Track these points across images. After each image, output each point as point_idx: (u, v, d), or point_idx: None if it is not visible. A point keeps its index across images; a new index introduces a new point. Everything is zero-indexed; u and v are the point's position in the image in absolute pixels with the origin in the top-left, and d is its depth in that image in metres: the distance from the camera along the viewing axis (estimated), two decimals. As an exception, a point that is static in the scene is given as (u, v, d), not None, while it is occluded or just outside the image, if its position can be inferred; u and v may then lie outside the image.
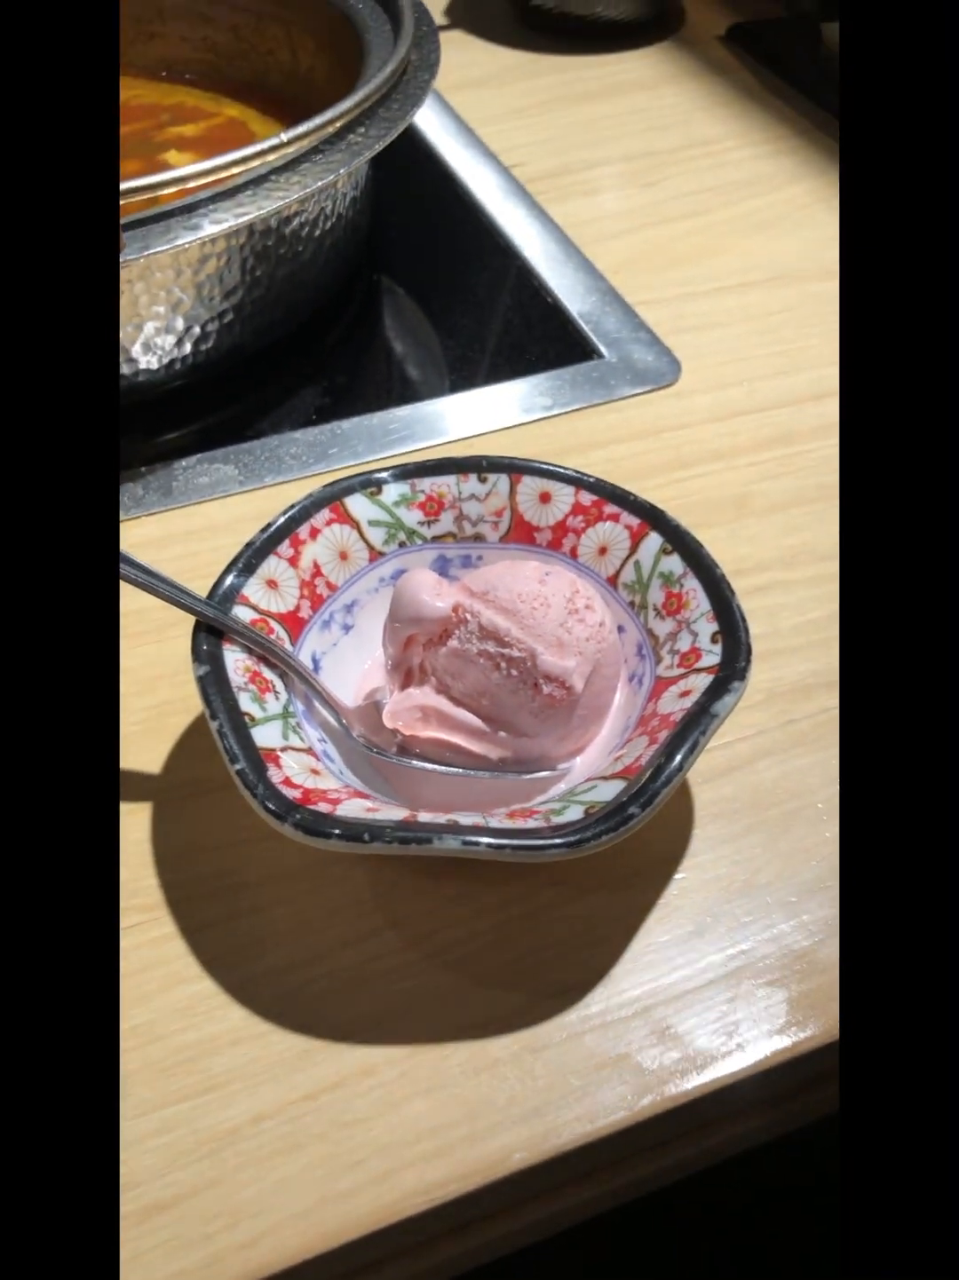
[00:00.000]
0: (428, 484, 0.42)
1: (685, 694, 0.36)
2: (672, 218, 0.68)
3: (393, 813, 0.33)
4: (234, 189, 0.49)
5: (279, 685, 0.38)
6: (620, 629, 0.40)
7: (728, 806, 0.40)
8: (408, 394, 0.57)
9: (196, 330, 0.53)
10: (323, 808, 0.33)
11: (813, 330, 0.59)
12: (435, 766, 0.38)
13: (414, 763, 0.38)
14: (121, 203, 0.46)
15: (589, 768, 0.39)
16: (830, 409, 0.54)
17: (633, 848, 0.36)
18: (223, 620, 0.37)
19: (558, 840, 0.32)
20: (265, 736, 0.35)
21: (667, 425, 0.54)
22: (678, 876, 0.38)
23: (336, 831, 0.32)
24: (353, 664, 0.42)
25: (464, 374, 0.57)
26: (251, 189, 0.49)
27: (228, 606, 0.38)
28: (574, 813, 0.33)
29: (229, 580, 0.39)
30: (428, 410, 0.54)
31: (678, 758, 0.34)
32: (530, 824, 0.33)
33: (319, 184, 0.49)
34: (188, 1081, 0.34)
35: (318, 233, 0.56)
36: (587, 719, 0.38)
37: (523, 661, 0.36)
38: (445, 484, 0.42)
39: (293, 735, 0.36)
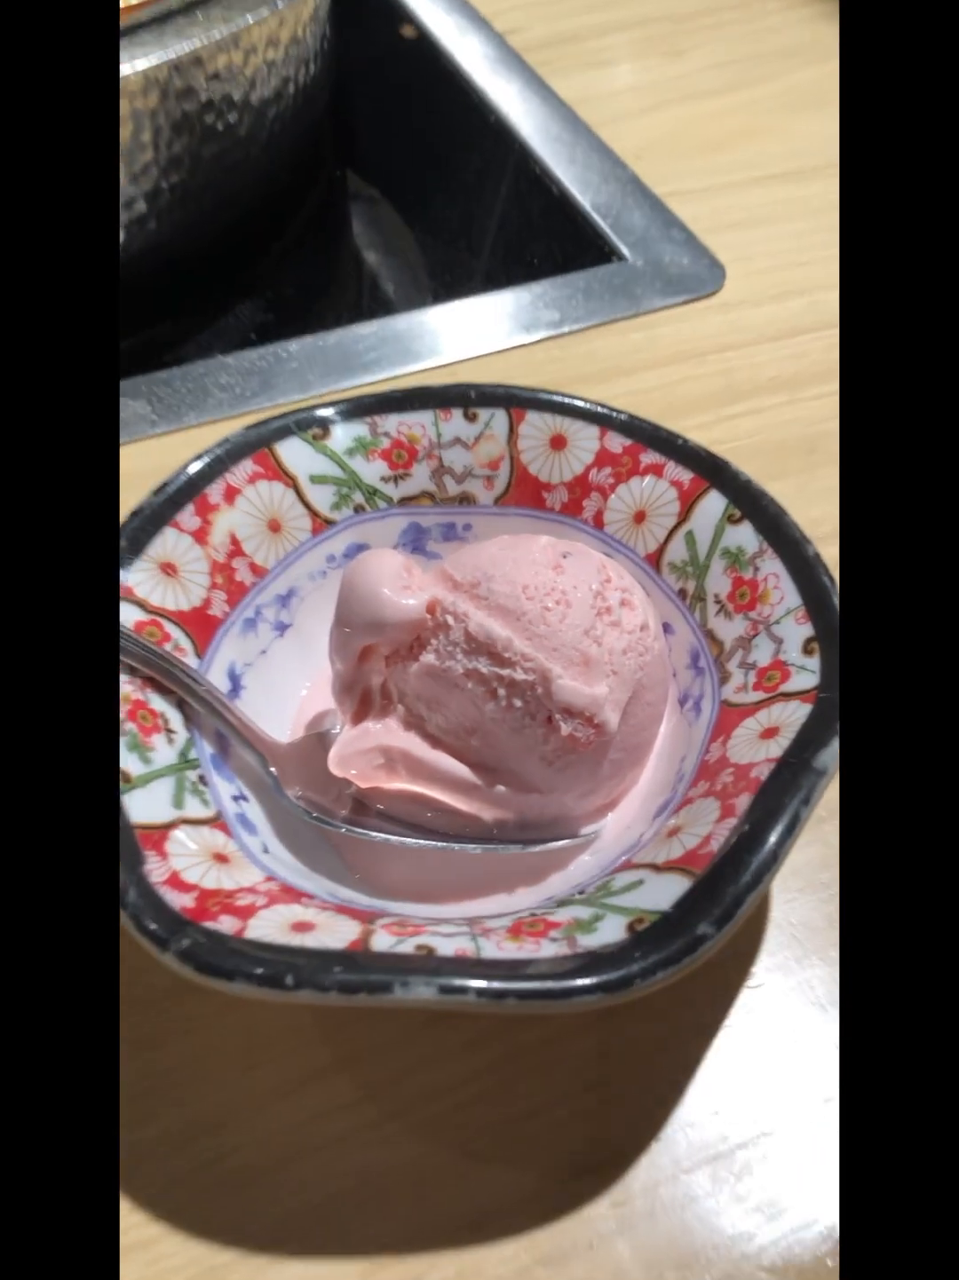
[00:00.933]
0: (394, 424, 0.30)
1: (770, 733, 0.24)
2: (704, 93, 0.55)
3: (334, 927, 0.22)
4: (133, 27, 0.36)
5: (175, 721, 0.26)
6: (666, 629, 0.29)
7: (817, 877, 0.29)
8: (377, 310, 0.45)
9: (96, 224, 0.40)
10: (227, 925, 0.22)
11: (890, 225, 0.47)
12: (404, 840, 0.26)
13: (374, 835, 0.26)
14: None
15: (624, 831, 0.27)
16: (921, 324, 0.42)
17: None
18: (90, 627, 0.25)
19: (588, 982, 0.21)
20: (147, 805, 0.24)
21: (710, 346, 0.42)
22: (750, 984, 0.27)
23: (241, 969, 0.21)
24: (291, 678, 0.30)
25: (448, 282, 0.45)
26: (157, 27, 0.36)
27: (102, 605, 0.26)
28: (611, 928, 0.22)
29: (104, 566, 0.27)
30: (400, 327, 0.42)
31: (770, 841, 0.22)
32: (545, 951, 0.21)
33: (251, 20, 0.37)
34: (34, 1327, 0.22)
35: (256, 98, 0.43)
36: (622, 764, 0.27)
37: (530, 687, 0.25)
38: (419, 424, 0.30)
39: (192, 799, 0.25)
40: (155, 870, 0.22)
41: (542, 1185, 0.24)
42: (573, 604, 0.25)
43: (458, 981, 0.20)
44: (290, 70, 0.45)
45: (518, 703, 0.25)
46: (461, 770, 0.26)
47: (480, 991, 0.20)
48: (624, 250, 0.45)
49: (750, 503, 0.28)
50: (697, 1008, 0.27)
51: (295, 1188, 0.24)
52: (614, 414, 0.30)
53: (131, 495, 0.35)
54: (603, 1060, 0.26)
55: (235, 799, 0.26)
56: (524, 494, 0.31)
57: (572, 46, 0.58)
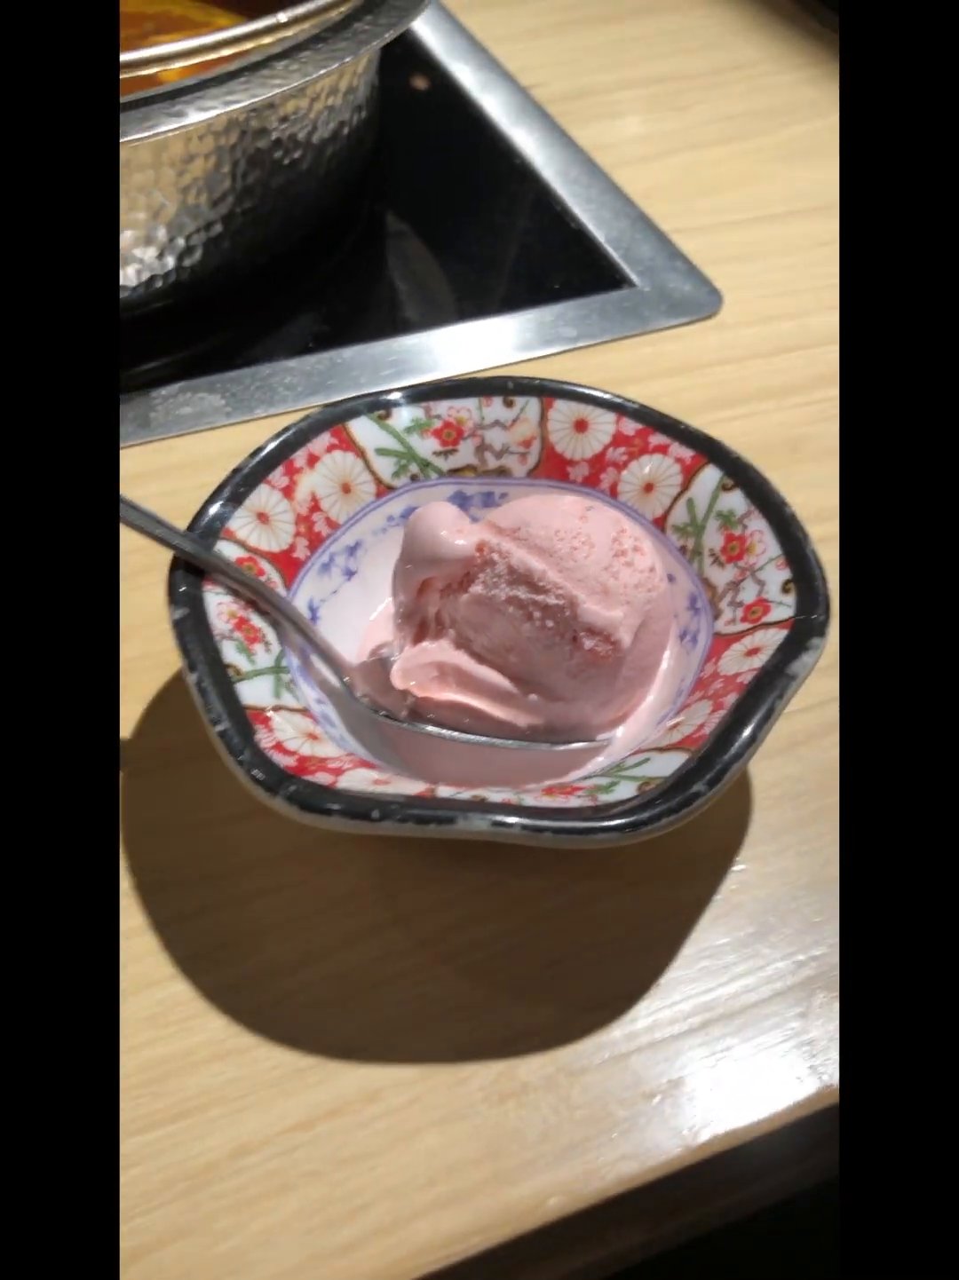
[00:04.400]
0: (445, 408, 0.37)
1: (753, 652, 0.30)
2: (706, 143, 0.62)
3: (405, 786, 0.28)
4: (224, 76, 0.43)
5: (270, 635, 0.32)
6: (670, 578, 0.35)
7: (793, 788, 0.34)
8: (416, 324, 0.51)
9: (181, 243, 0.47)
10: (321, 778, 0.27)
11: (867, 261, 0.53)
12: (454, 734, 0.32)
13: (429, 729, 0.32)
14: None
15: (634, 740, 0.33)
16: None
17: (684, 835, 0.30)
18: (204, 556, 0.31)
19: (608, 823, 0.26)
20: (254, 693, 0.29)
21: (708, 359, 0.48)
22: (736, 868, 0.33)
23: (337, 806, 0.26)
24: (356, 615, 0.36)
25: (478, 302, 0.51)
26: (245, 77, 0.43)
27: (210, 541, 0.32)
28: (625, 790, 0.28)
29: (213, 510, 0.33)
30: (439, 338, 0.48)
31: (750, 726, 0.28)
32: (573, 802, 0.27)
33: (322, 72, 0.43)
34: (157, 1105, 0.28)
35: (317, 138, 0.50)
36: (632, 681, 0.32)
37: (561, 610, 0.31)
38: (465, 408, 0.37)
39: (286, 693, 0.30)
40: (263, 738, 0.28)
41: (565, 1016, 0.30)
42: (595, 545, 0.31)
43: (504, 818, 0.26)
44: (346, 114, 0.52)
45: (550, 623, 0.31)
46: (502, 680, 0.32)
47: (524, 826, 0.26)
48: (633, 277, 0.52)
49: (741, 474, 0.34)
50: (691, 887, 0.32)
51: (359, 1014, 0.30)
52: (628, 403, 0.36)
53: (215, 474, 0.41)
54: (616, 923, 0.31)
55: (317, 701, 0.32)
56: (552, 468, 0.37)
57: (588, 101, 0.64)
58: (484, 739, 0.32)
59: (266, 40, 0.43)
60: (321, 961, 0.30)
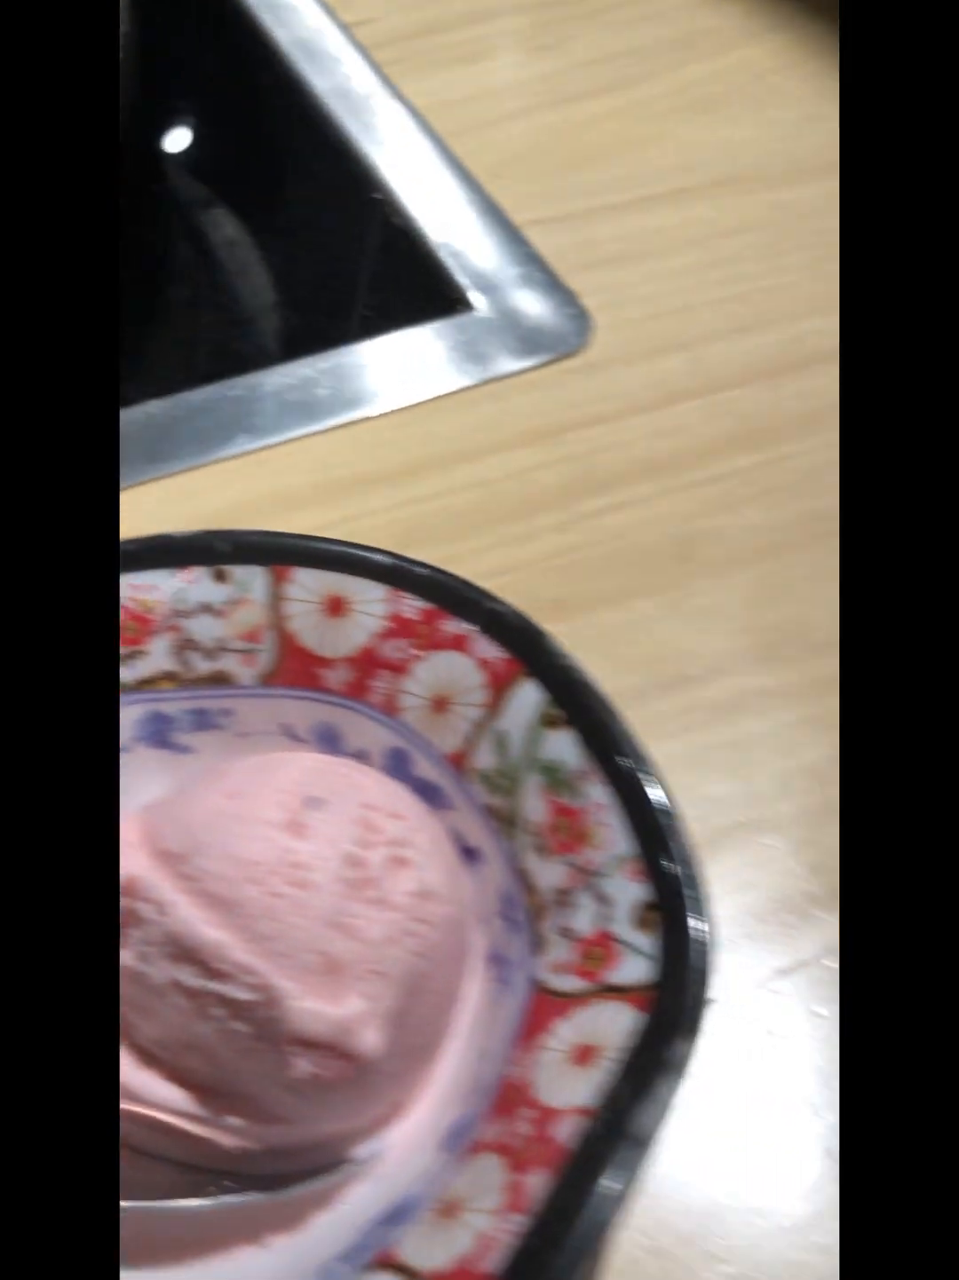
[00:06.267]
0: (123, 587, 0.23)
1: (584, 1057, 0.18)
2: (579, 95, 0.47)
3: None
4: None
5: None
6: (474, 856, 0.22)
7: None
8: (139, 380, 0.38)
9: None
10: None
11: (788, 259, 0.40)
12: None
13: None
14: None
15: (416, 1152, 0.21)
16: (824, 384, 0.35)
17: None
18: None
19: None
20: None
21: (570, 420, 0.35)
22: None
23: None
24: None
25: (255, 340, 0.38)
26: None
27: None
28: None
29: None
30: (175, 406, 0.35)
31: (566, 1248, 0.16)
32: None
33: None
34: None
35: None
36: (401, 1074, 0.20)
37: (253, 1009, 0.18)
38: (152, 586, 0.23)
39: None
40: None
41: None
42: (315, 883, 0.18)
43: None
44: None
45: (240, 1027, 0.18)
46: (179, 1099, 0.19)
47: None
48: (471, 296, 0.38)
49: (572, 699, 0.21)
50: None
51: None
52: (410, 568, 0.23)
53: None
54: None
55: None
56: (295, 671, 0.24)
57: (429, 41, 0.50)
58: (137, 1203, 0.19)
59: None
60: None
